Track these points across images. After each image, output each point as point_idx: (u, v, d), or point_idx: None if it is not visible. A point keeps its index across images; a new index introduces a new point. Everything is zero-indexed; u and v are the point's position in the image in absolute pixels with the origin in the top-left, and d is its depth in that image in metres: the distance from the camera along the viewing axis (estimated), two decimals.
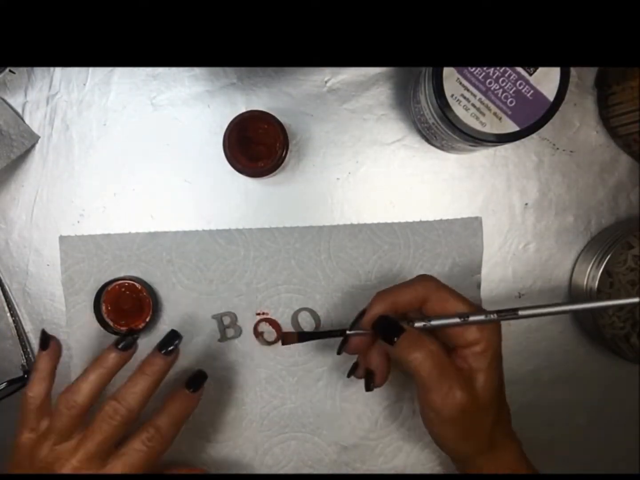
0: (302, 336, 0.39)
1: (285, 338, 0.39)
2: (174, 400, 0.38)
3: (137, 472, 0.36)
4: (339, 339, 0.38)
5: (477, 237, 0.44)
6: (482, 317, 0.32)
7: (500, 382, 0.35)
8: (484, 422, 0.34)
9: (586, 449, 0.46)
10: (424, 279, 0.36)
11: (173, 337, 0.38)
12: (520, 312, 0.32)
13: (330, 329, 0.43)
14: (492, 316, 0.32)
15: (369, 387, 0.38)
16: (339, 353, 0.39)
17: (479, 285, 0.45)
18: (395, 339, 0.33)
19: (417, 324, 0.34)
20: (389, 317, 0.35)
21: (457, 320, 0.33)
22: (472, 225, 0.44)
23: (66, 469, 0.36)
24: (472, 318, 0.33)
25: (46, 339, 0.41)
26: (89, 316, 0.43)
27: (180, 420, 0.38)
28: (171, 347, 0.38)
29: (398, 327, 0.34)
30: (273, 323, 0.44)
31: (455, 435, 0.34)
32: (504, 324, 0.44)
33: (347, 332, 0.37)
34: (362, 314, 0.37)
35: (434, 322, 0.34)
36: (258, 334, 0.44)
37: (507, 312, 0.32)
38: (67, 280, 0.44)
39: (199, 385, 0.39)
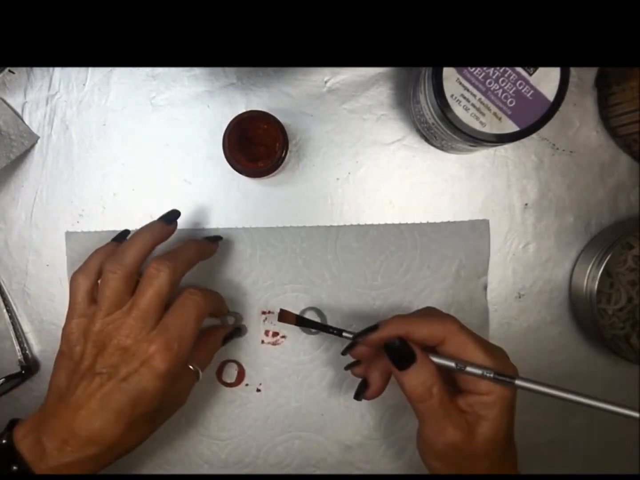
0: (300, 320, 0.40)
1: (282, 315, 0.40)
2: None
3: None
4: (341, 340, 0.38)
5: (484, 239, 0.44)
6: (478, 372, 0.33)
7: (508, 436, 0.34)
8: (477, 468, 0.34)
9: (586, 449, 0.46)
10: (447, 320, 0.35)
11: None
12: (517, 382, 0.33)
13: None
14: (489, 375, 0.33)
15: (358, 397, 0.38)
16: (343, 354, 0.39)
17: (485, 287, 0.45)
18: (411, 365, 0.33)
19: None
20: (406, 343, 0.34)
21: (453, 365, 0.34)
22: (480, 228, 0.44)
23: (124, 331, 0.35)
24: (468, 369, 0.33)
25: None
26: None
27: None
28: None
29: (413, 356, 0.34)
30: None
31: (445, 471, 0.35)
32: (504, 322, 0.45)
33: (356, 339, 0.37)
34: (374, 327, 0.36)
35: (436, 360, 0.34)
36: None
37: (506, 376, 0.33)
38: None
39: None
